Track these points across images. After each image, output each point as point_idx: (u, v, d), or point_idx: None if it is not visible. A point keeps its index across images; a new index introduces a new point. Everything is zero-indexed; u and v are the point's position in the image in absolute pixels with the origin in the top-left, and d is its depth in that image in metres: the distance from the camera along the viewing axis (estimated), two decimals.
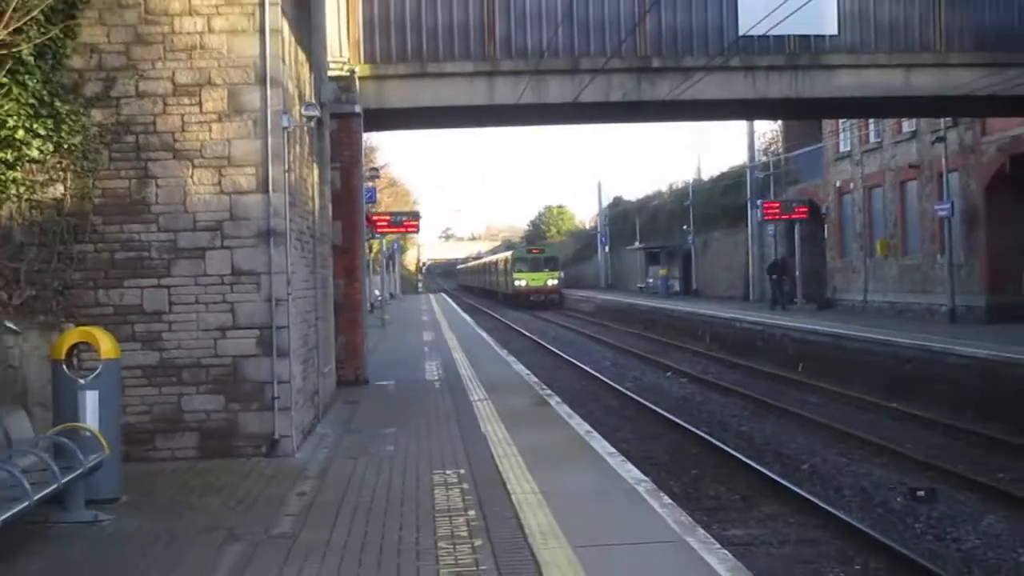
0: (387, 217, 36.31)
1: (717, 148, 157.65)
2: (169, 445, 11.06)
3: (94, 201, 11.05)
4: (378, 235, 38.37)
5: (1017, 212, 28.42)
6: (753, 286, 47.27)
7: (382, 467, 10.64)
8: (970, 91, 18.93)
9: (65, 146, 10.81)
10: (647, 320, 45.28)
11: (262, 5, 11.15)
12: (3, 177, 10.52)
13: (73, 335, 9.42)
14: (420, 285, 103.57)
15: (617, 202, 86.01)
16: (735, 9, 18.79)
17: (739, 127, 60.47)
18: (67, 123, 10.77)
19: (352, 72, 18.13)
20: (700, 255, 57.75)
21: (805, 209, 40.47)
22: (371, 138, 42.96)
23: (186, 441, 11.09)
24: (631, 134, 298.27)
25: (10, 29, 9.93)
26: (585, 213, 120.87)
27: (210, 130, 11.16)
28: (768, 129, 53.19)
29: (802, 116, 35.03)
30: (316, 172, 14.93)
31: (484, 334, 32.96)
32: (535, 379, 19.09)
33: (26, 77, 10.38)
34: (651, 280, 62.95)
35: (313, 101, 14.15)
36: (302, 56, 13.53)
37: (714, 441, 16.84)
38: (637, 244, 68.93)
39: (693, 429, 18.07)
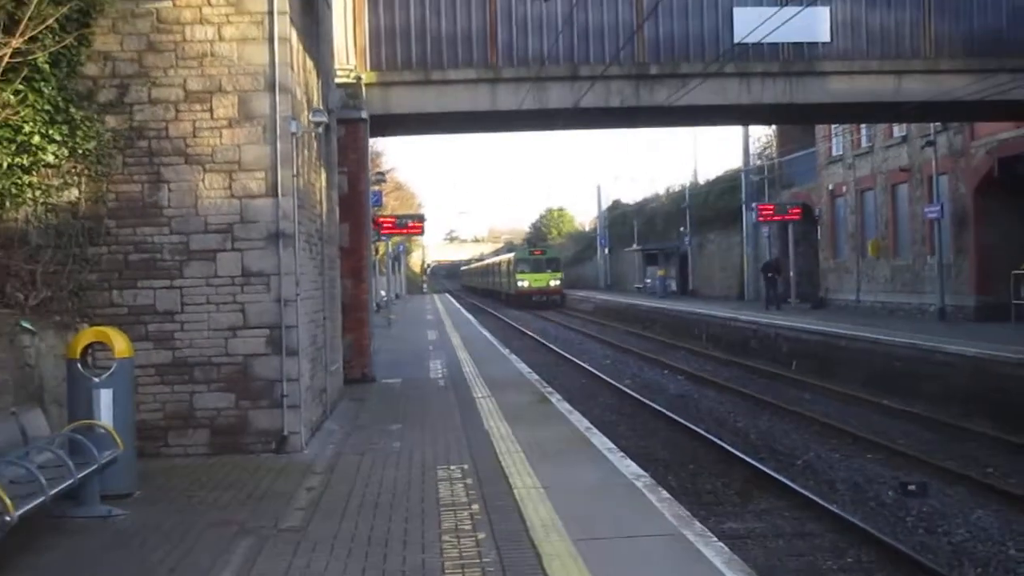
0: (393, 220, 36.21)
1: (713, 152, 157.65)
2: (181, 441, 11.07)
3: (108, 204, 11.06)
4: (384, 237, 38.29)
5: (1005, 214, 28.44)
6: (748, 286, 47.26)
7: (388, 462, 10.65)
8: (960, 96, 18.93)
9: (80, 151, 10.81)
10: (645, 319, 45.26)
11: (271, 14, 11.15)
12: (19, 181, 10.54)
13: (88, 335, 9.43)
14: (425, 286, 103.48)
15: (616, 205, 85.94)
16: (730, 17, 18.80)
17: (734, 132, 60.44)
18: (82, 129, 10.78)
19: (359, 79, 18.16)
20: (696, 256, 57.75)
21: (799, 211, 40.45)
22: (377, 143, 43.00)
23: (198, 437, 11.10)
24: (629, 138, 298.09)
25: (26, 37, 9.95)
26: (585, 215, 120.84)
27: (221, 135, 11.17)
28: (763, 134, 53.16)
29: (796, 121, 35.01)
30: (324, 176, 14.93)
31: (487, 333, 32.95)
32: (536, 377, 19.09)
33: (42, 84, 10.41)
34: (649, 280, 62.90)
35: (321, 107, 14.15)
36: (310, 64, 13.54)
37: (710, 437, 16.83)
38: (635, 246, 68.91)
39: (690, 425, 18.06)
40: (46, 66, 10.38)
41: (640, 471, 10.06)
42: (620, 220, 79.34)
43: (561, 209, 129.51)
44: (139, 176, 11.12)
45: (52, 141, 10.58)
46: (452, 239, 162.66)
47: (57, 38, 10.34)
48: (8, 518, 6.39)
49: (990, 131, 28.39)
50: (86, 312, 10.86)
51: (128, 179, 11.10)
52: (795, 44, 18.87)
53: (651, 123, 24.25)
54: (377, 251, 40.71)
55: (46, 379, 9.70)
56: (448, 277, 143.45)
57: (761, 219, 42.15)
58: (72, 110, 10.73)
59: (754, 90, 19.19)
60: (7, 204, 10.53)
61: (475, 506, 8.52)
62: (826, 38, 19.04)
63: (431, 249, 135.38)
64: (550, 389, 17.14)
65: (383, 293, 47.05)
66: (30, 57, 10.14)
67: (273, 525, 8.05)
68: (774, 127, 47.71)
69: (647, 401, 21.22)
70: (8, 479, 7.22)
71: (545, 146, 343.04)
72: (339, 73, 17.43)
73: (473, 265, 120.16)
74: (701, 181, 64.93)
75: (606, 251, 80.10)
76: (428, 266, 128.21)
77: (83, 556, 7.36)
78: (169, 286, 11.11)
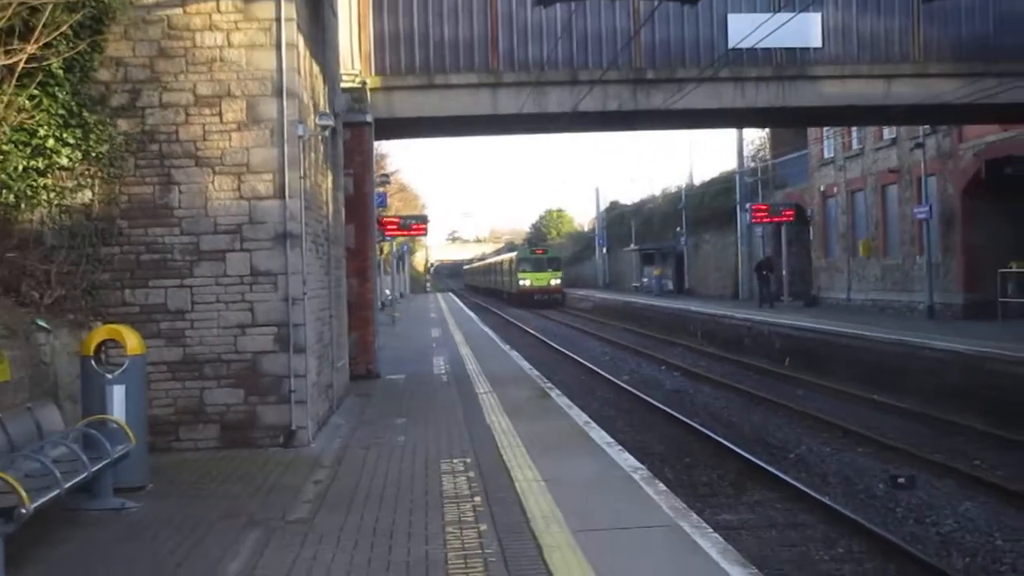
0: (397, 221, 36.27)
1: (708, 154, 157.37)
2: (192, 436, 11.07)
3: (120, 206, 11.06)
4: (388, 238, 38.33)
5: (992, 214, 28.44)
6: (742, 285, 47.25)
7: (393, 456, 10.65)
8: (948, 100, 18.92)
9: (93, 154, 10.82)
10: (642, 317, 45.25)
11: (278, 21, 11.15)
12: (35, 183, 10.55)
13: (101, 332, 9.44)
14: (428, 285, 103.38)
15: (614, 206, 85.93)
16: (724, 24, 18.80)
17: (729, 135, 60.54)
18: (95, 132, 10.79)
19: (363, 84, 18.17)
20: (692, 256, 57.73)
21: (791, 212, 40.45)
22: (381, 146, 42.99)
23: (208, 432, 11.10)
24: (627, 141, 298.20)
25: (40, 44, 9.96)
26: (584, 216, 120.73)
27: (230, 139, 11.17)
28: (756, 136, 53.17)
29: (788, 124, 34.98)
30: (330, 178, 14.93)
31: (489, 331, 32.94)
32: (536, 373, 19.10)
33: (56, 89, 10.42)
34: (646, 279, 62.87)
35: (327, 111, 14.15)
36: (316, 69, 13.54)
37: (706, 431, 16.82)
38: (633, 245, 68.87)
39: (686, 420, 18.05)
40: (60, 71, 10.38)
41: (637, 464, 10.07)
42: (618, 220, 79.32)
43: (560, 210, 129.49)
44: (150, 178, 11.12)
45: (66, 144, 10.59)
46: (455, 239, 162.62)
47: (71, 44, 10.34)
48: (24, 510, 6.40)
49: (977, 134, 28.38)
50: (99, 311, 10.87)
51: (140, 181, 11.11)
52: (788, 49, 18.86)
53: (648, 126, 24.22)
54: (382, 251, 40.70)
55: (61, 376, 9.70)
56: (451, 276, 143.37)
57: (755, 219, 42.16)
58: (85, 114, 10.73)
59: (748, 94, 19.18)
60: (23, 206, 10.54)
61: (477, 498, 8.52)
62: (818, 43, 19.04)
63: (434, 249, 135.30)
64: (550, 385, 17.14)
65: (387, 292, 47.07)
66: (45, 63, 10.14)
67: (281, 517, 8.05)
68: (767, 130, 47.71)
69: (644, 396, 21.22)
70: (24, 472, 7.22)
71: (545, 149, 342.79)
72: (344, 78, 17.43)
73: (475, 264, 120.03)
74: (697, 183, 64.95)
75: (604, 251, 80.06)
76: (431, 266, 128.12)
77: (97, 548, 7.37)
78: (180, 285, 11.12)
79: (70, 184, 10.85)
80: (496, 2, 18.82)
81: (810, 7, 17.98)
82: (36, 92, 10.27)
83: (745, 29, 17.70)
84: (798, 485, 12.72)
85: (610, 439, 11.58)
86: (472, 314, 45.53)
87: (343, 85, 17.24)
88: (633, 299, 53.73)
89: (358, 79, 18.10)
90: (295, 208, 11.26)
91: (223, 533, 7.60)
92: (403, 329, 33.61)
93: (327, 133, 14.13)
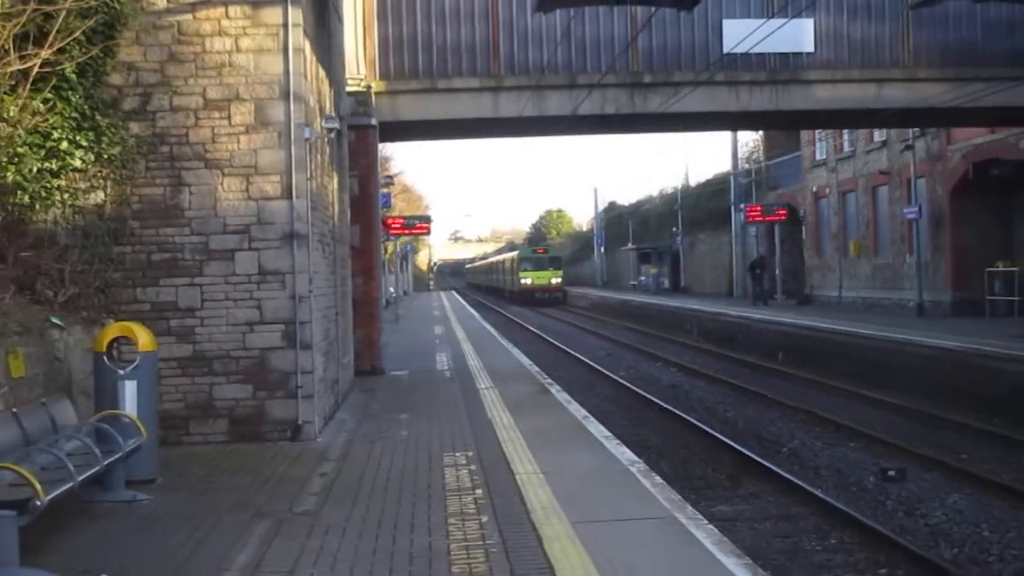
0: (401, 221, 36.27)
1: (704, 156, 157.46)
2: (201, 430, 11.08)
3: (132, 207, 11.07)
4: (392, 237, 38.35)
5: (980, 214, 28.46)
6: (737, 283, 47.24)
7: (397, 450, 10.65)
8: (936, 103, 18.92)
9: (105, 156, 10.81)
10: (639, 315, 45.23)
11: (286, 27, 11.15)
12: (48, 185, 10.55)
13: (113, 329, 9.44)
14: (431, 283, 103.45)
15: (612, 206, 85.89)
16: (720, 29, 18.81)
17: (724, 137, 60.32)
18: (107, 135, 10.78)
19: (368, 88, 18.17)
20: (688, 255, 57.70)
21: (784, 212, 40.42)
22: (386, 148, 42.95)
23: (217, 426, 11.11)
24: (625, 144, 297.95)
25: (54, 49, 9.97)
26: (582, 216, 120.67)
27: (238, 141, 11.17)
28: (751, 139, 53.13)
29: (782, 127, 35.01)
30: (336, 180, 14.93)
31: (490, 328, 32.94)
32: (536, 369, 19.09)
33: (69, 93, 10.42)
34: (643, 278, 62.82)
35: (333, 114, 14.15)
36: (322, 73, 13.53)
37: (701, 426, 16.81)
38: (630, 245, 68.78)
39: (682, 415, 18.04)
40: (73, 76, 10.39)
41: (635, 457, 10.07)
42: (616, 221, 79.27)
43: (560, 210, 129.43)
44: (161, 180, 11.13)
45: (79, 147, 10.59)
46: (457, 239, 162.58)
47: (84, 49, 10.35)
48: (39, 502, 6.40)
49: (965, 136, 28.37)
50: (112, 308, 10.87)
51: (151, 182, 11.11)
52: (781, 54, 18.87)
53: (645, 129, 24.25)
54: (386, 250, 40.72)
55: (74, 371, 9.70)
56: (453, 275, 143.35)
57: (749, 219, 42.18)
58: (98, 117, 10.73)
59: (742, 98, 19.18)
60: (37, 206, 10.54)
61: (479, 491, 8.52)
62: (810, 48, 19.05)
63: (437, 248, 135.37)
64: (550, 380, 17.13)
65: (392, 290, 47.09)
66: (58, 67, 10.15)
67: (288, 509, 8.05)
68: (761, 133, 47.68)
69: (641, 392, 21.21)
70: (39, 466, 7.24)
71: (545, 151, 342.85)
72: (350, 82, 17.44)
73: (477, 263, 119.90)
74: (692, 184, 64.97)
75: (602, 250, 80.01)
76: (434, 265, 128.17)
77: (110, 539, 7.37)
78: (190, 284, 11.12)
79: (83, 185, 10.85)
80: (497, 8, 18.83)
81: (803, 13, 17.98)
82: (50, 96, 10.28)
83: (740, 34, 17.69)
84: (791, 478, 12.71)
85: (608, 433, 11.59)
86: (474, 312, 45.52)
87: (348, 89, 17.25)
88: (630, 297, 53.72)
89: (363, 83, 18.11)
90: (302, 209, 11.26)
91: (232, 524, 7.60)
92: (407, 326, 33.61)
93: (333, 136, 14.14)
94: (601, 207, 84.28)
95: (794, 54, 19.01)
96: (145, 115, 11.08)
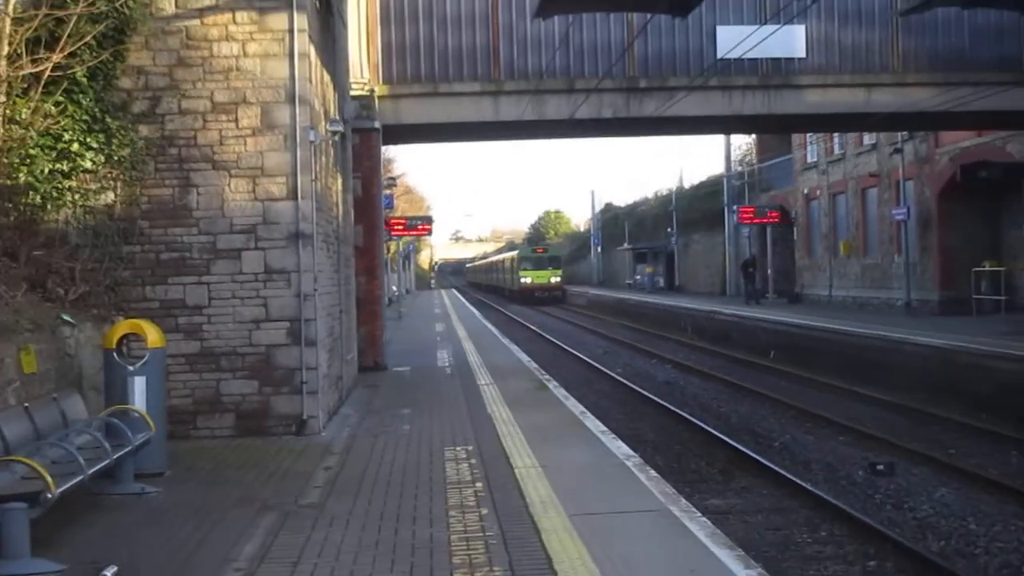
0: (403, 221, 36.22)
1: (698, 159, 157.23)
2: (209, 425, 11.07)
3: (141, 207, 11.06)
4: (395, 237, 38.27)
5: (967, 216, 28.47)
6: (730, 282, 47.23)
7: (399, 444, 10.64)
8: (925, 108, 18.93)
9: (115, 158, 10.81)
10: (635, 313, 45.22)
11: (291, 32, 11.14)
12: (60, 185, 10.54)
13: (123, 327, 9.43)
14: (433, 282, 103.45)
15: (608, 207, 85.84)
16: (714, 35, 18.80)
17: (717, 140, 60.48)
18: (117, 137, 10.78)
19: (372, 92, 18.16)
20: (682, 255, 57.71)
21: (776, 214, 40.44)
22: (388, 150, 42.88)
23: (224, 421, 11.10)
24: (621, 146, 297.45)
25: (65, 53, 9.98)
26: (580, 217, 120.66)
27: (245, 144, 11.16)
28: (743, 142, 53.09)
29: (774, 131, 35.02)
30: (340, 181, 14.92)
31: (490, 326, 32.93)
32: (535, 366, 19.07)
33: (80, 96, 10.42)
34: (639, 277, 62.79)
35: (337, 118, 14.14)
36: (327, 77, 13.52)
37: (695, 421, 16.81)
38: (626, 245, 68.76)
39: (676, 410, 18.04)
40: (84, 79, 10.39)
41: (630, 452, 10.05)
42: (612, 221, 79.24)
43: (558, 211, 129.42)
44: (170, 181, 11.12)
45: (90, 148, 10.58)
46: (458, 239, 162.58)
47: (94, 54, 10.35)
48: (50, 495, 6.40)
49: (953, 140, 28.37)
50: (121, 306, 10.86)
51: (160, 183, 11.10)
52: (773, 59, 18.87)
53: (641, 133, 24.22)
54: (389, 250, 40.69)
55: (85, 367, 9.70)
56: (454, 274, 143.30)
57: (742, 220, 42.20)
58: (108, 120, 10.72)
59: (735, 102, 19.18)
60: (49, 207, 10.54)
61: (479, 484, 8.51)
62: (802, 54, 19.04)
63: (438, 248, 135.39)
64: (548, 377, 17.11)
65: (394, 289, 47.05)
66: (69, 71, 10.16)
67: (293, 502, 8.04)
68: (754, 136, 47.70)
69: (637, 388, 21.21)
70: (50, 459, 7.23)
71: (543, 153, 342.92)
72: (354, 86, 17.43)
73: (478, 262, 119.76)
74: (687, 185, 64.94)
75: (599, 250, 79.98)
76: (436, 264, 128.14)
77: (119, 530, 7.36)
78: (198, 282, 11.11)
79: (94, 186, 10.84)
80: (498, 14, 18.82)
81: (795, 20, 17.97)
82: (61, 99, 10.28)
83: (733, 40, 17.71)
84: (783, 472, 12.71)
85: (604, 428, 11.57)
86: (474, 310, 45.51)
87: (352, 93, 17.24)
88: (626, 296, 53.73)
89: (367, 87, 18.10)
90: (307, 209, 11.25)
91: (239, 517, 7.59)
92: (409, 324, 33.60)
93: (337, 138, 14.12)
94: (598, 208, 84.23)
95: (786, 59, 19.01)
96: (154, 118, 11.08)
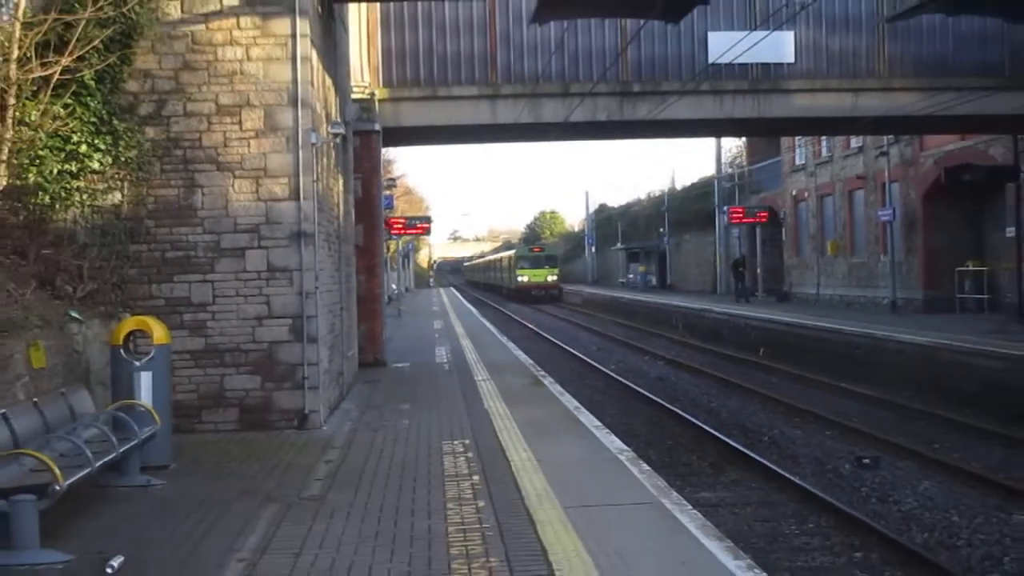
0: (402, 221, 36.20)
1: (689, 161, 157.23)
2: (213, 419, 11.07)
3: (148, 207, 11.05)
4: (394, 237, 38.23)
5: (950, 217, 28.52)
6: (720, 281, 47.29)
7: (399, 438, 10.65)
8: (910, 112, 18.95)
9: (122, 159, 10.80)
10: (628, 311, 45.22)
11: (294, 37, 11.13)
12: (68, 186, 10.53)
13: (130, 323, 9.43)
14: (431, 281, 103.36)
15: (602, 208, 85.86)
16: (705, 41, 18.82)
17: (708, 143, 60.47)
18: (124, 139, 10.77)
19: (372, 95, 18.16)
20: (674, 254, 57.75)
21: (765, 214, 40.48)
22: (388, 152, 42.89)
23: (228, 415, 11.10)
24: (615, 149, 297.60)
25: (74, 57, 9.96)
26: (574, 217, 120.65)
27: (249, 145, 11.15)
28: (734, 144, 53.13)
29: (763, 134, 35.00)
30: (341, 182, 14.91)
31: (487, 323, 32.91)
32: (531, 362, 19.07)
33: (88, 99, 10.41)
34: (632, 276, 62.88)
35: (338, 120, 14.12)
36: (329, 81, 13.51)
37: (687, 416, 16.82)
38: (619, 244, 68.84)
39: (668, 405, 18.05)
40: (92, 82, 10.37)
41: (623, 446, 10.07)
42: (606, 222, 79.30)
43: (553, 212, 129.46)
44: (175, 181, 11.11)
45: (97, 150, 10.57)
46: (456, 238, 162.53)
47: (102, 57, 10.33)
48: (58, 487, 6.40)
49: (937, 143, 28.41)
50: (128, 303, 10.85)
51: (166, 184, 11.09)
52: (763, 64, 18.88)
53: (634, 135, 24.24)
54: (388, 249, 40.66)
55: (92, 363, 9.69)
56: (452, 273, 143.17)
57: (732, 221, 42.24)
58: (115, 122, 10.71)
59: (726, 106, 19.19)
60: (57, 206, 10.53)
61: (476, 477, 8.51)
62: (791, 59, 19.06)
63: (437, 247, 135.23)
64: (543, 373, 17.12)
65: (394, 287, 47.02)
66: (78, 74, 10.14)
67: (296, 494, 8.05)
68: (744, 139, 47.72)
69: (630, 384, 21.21)
70: (58, 452, 7.23)
71: (539, 155, 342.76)
72: (355, 89, 17.41)
73: (476, 261, 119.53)
74: (679, 187, 64.98)
75: (593, 249, 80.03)
76: (434, 263, 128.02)
77: (126, 521, 7.36)
78: (202, 280, 11.11)
79: (101, 186, 10.83)
80: (495, 20, 18.82)
81: (784, 26, 17.99)
82: (70, 101, 10.27)
83: (724, 46, 17.72)
84: (771, 466, 12.73)
85: (598, 423, 11.58)
86: (472, 308, 45.49)
87: (353, 96, 17.23)
88: (620, 294, 53.75)
89: (367, 90, 18.09)
90: (309, 209, 11.24)
91: (242, 508, 7.59)
92: (408, 321, 33.58)
93: (338, 140, 14.11)
94: (592, 208, 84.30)
95: (775, 64, 19.02)
96: (160, 120, 11.07)
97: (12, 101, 9.95)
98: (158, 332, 9.29)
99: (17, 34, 9.88)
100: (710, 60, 18.22)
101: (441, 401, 13.53)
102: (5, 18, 10.77)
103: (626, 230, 70.30)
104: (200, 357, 11.06)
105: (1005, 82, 19.07)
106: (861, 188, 33.49)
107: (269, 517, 7.32)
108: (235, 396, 11.11)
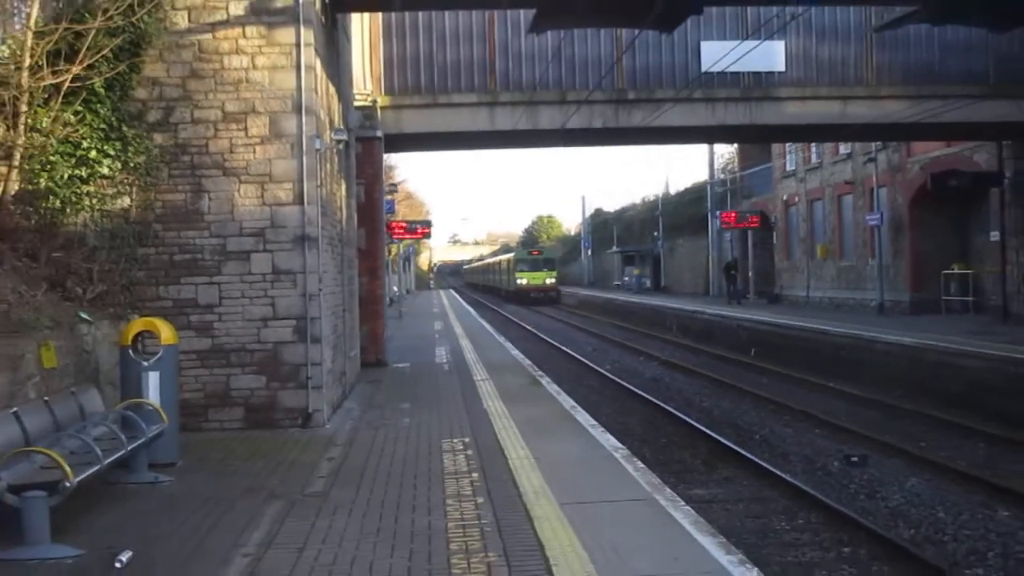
0: (404, 225, 36.22)
1: (683, 167, 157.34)
2: (219, 417, 11.07)
3: (156, 211, 11.06)
4: (396, 240, 38.24)
5: (937, 222, 28.54)
6: (712, 283, 47.33)
7: (399, 436, 10.65)
8: (898, 119, 18.98)
9: (131, 164, 10.81)
10: (623, 312, 45.20)
11: (298, 46, 11.14)
12: (79, 191, 10.54)
13: (138, 324, 9.43)
14: (432, 283, 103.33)
15: (598, 212, 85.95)
16: (698, 50, 18.85)
17: (701, 149, 60.54)
18: (133, 145, 10.78)
19: (374, 102, 18.17)
20: (668, 257, 57.78)
21: (757, 219, 40.48)
22: (390, 158, 42.83)
23: (233, 414, 11.10)
24: (610, 155, 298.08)
25: (84, 65, 9.97)
26: (571, 221, 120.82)
27: (254, 151, 11.16)
28: (726, 151, 53.16)
29: (755, 140, 35.02)
30: (344, 187, 14.91)
31: (486, 324, 32.89)
32: (529, 362, 19.07)
33: (98, 106, 10.43)
34: (627, 278, 62.83)
35: (341, 127, 14.13)
36: (332, 89, 13.52)
37: (680, 415, 16.81)
38: (615, 248, 68.82)
39: (662, 404, 18.03)
40: (102, 90, 10.40)
41: (618, 444, 10.07)
42: (602, 226, 79.34)
43: (550, 216, 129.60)
44: (183, 186, 11.11)
45: (107, 156, 10.59)
46: (455, 242, 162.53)
47: (111, 66, 10.35)
48: (68, 484, 6.40)
49: (924, 149, 28.44)
50: (136, 305, 10.86)
51: (173, 189, 11.10)
52: (755, 73, 18.90)
53: (629, 142, 24.26)
54: (390, 252, 40.66)
55: (101, 363, 9.69)
56: (452, 275, 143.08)
57: (724, 226, 42.25)
58: (124, 129, 10.73)
59: (719, 113, 19.21)
60: (68, 210, 10.54)
61: (475, 475, 8.52)
62: (781, 68, 19.08)
63: (437, 250, 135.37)
64: (541, 373, 17.12)
65: (395, 289, 47.00)
66: (88, 82, 10.16)
67: (299, 491, 8.05)
68: (736, 145, 47.75)
69: (625, 383, 21.20)
70: (68, 450, 7.22)
71: (536, 161, 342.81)
72: (357, 97, 17.43)
73: (475, 264, 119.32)
74: (672, 192, 65.08)
75: (589, 253, 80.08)
76: (435, 265, 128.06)
77: (134, 517, 7.36)
78: (209, 282, 11.11)
79: (110, 191, 10.84)
80: (494, 30, 18.84)
81: (775, 36, 18.01)
82: (80, 108, 10.28)
83: (716, 55, 17.75)
84: (762, 463, 12.72)
85: (594, 422, 11.58)
86: (471, 309, 45.46)
87: (356, 103, 17.24)
88: (615, 296, 53.74)
89: (369, 98, 18.11)
90: (312, 213, 11.25)
91: (247, 505, 7.60)
92: (409, 322, 33.56)
93: (341, 146, 14.12)
94: (588, 213, 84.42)
95: (766, 73, 19.04)
96: (168, 127, 11.07)
97: (24, 108, 9.97)
98: (166, 333, 9.29)
99: (29, 43, 9.90)
100: (703, 69, 18.24)
101: (441, 400, 13.52)
102: (17, 27, 10.80)
103: (621, 234, 70.30)
104: (207, 357, 11.06)
105: (990, 90, 19.10)
106: (850, 193, 33.51)
107: (273, 513, 7.32)
108: (240, 395, 11.11)
